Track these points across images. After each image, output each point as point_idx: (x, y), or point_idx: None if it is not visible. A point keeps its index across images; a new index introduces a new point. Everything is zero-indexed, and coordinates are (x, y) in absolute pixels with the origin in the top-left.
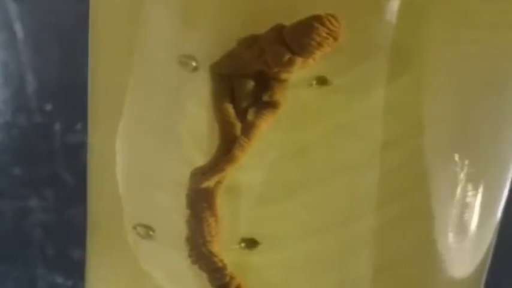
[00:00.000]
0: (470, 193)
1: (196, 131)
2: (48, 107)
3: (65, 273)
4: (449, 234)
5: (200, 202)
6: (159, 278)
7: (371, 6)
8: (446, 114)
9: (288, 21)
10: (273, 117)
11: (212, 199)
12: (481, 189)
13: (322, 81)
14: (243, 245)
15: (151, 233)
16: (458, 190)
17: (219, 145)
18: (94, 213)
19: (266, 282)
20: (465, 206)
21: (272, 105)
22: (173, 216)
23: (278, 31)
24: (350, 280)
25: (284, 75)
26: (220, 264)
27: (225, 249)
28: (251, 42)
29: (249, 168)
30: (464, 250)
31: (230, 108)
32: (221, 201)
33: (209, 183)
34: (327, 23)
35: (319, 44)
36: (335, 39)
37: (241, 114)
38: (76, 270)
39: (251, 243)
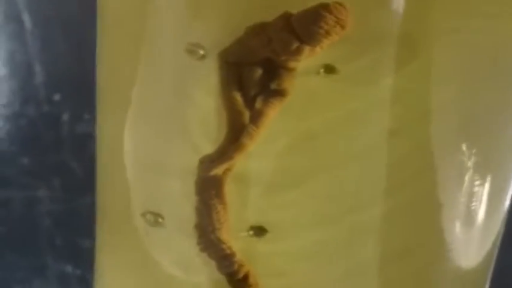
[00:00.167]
0: (477, 182)
1: (204, 119)
2: (56, 97)
3: (73, 262)
4: (457, 223)
5: (209, 190)
6: (168, 266)
7: None
8: (453, 102)
9: (295, 10)
10: (281, 105)
11: (221, 187)
12: (488, 178)
13: (329, 69)
14: (251, 232)
15: (160, 220)
16: (466, 179)
17: (227, 133)
18: (103, 202)
19: (274, 270)
20: (472, 195)
21: (280, 93)
22: (182, 203)
23: (286, 19)
24: (357, 268)
25: (292, 64)
26: (229, 252)
27: (234, 237)
28: (259, 30)
29: (257, 156)
30: (471, 239)
31: (238, 96)
32: (230, 189)
33: (218, 171)
34: (335, 11)
35: (327, 33)
36: (342, 27)
37: (249, 102)
38: (85, 259)
39: (259, 231)
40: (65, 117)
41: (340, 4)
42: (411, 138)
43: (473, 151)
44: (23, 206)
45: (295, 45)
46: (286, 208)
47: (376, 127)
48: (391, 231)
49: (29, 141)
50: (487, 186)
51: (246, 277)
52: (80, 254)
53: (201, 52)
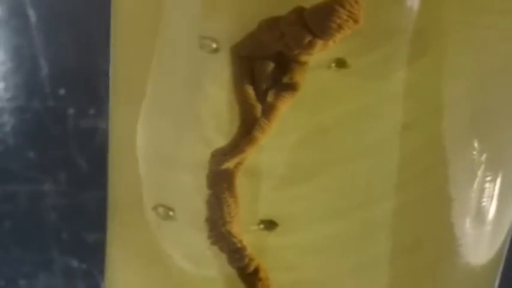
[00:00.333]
0: (489, 178)
1: (216, 112)
2: (62, 91)
3: (79, 256)
4: (467, 219)
5: (220, 183)
6: (178, 259)
7: None
8: (466, 97)
9: (308, 4)
10: (293, 99)
11: (232, 180)
12: (500, 174)
13: (341, 63)
14: (261, 226)
15: (171, 213)
16: (477, 174)
17: (239, 126)
18: (114, 195)
19: (284, 264)
20: (483, 191)
21: (292, 87)
22: (193, 197)
23: (298, 13)
24: (368, 262)
25: (304, 58)
26: (239, 245)
27: (244, 230)
28: (272, 25)
29: (269, 150)
30: (482, 235)
31: (250, 90)
32: (241, 183)
33: (229, 164)
34: (348, 5)
35: (340, 27)
36: (355, 21)
37: (261, 96)
38: (90, 253)
39: (270, 224)
40: (71, 111)
41: None
42: (423, 132)
43: (485, 146)
44: (29, 200)
45: (307, 39)
46: (297, 202)
47: (388, 121)
48: (402, 226)
49: (35, 135)
50: (498, 182)
51: (256, 271)
52: (86, 248)
53: (214, 46)
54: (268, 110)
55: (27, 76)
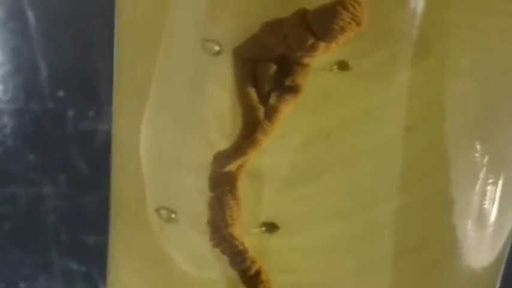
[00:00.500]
0: (491, 180)
1: (219, 114)
2: (61, 93)
3: (79, 259)
4: (469, 221)
5: (222, 185)
6: (180, 261)
7: None
8: (469, 99)
9: (311, 6)
10: (295, 101)
11: (234, 182)
12: (502, 177)
13: (343, 66)
14: (263, 229)
15: (173, 215)
16: (479, 176)
17: (241, 129)
18: (117, 197)
19: (286, 266)
20: (485, 193)
21: (294, 89)
22: (195, 199)
23: (301, 15)
24: (371, 263)
25: (306, 60)
26: (241, 248)
27: (246, 233)
28: (274, 27)
29: (271, 152)
30: (484, 237)
31: (253, 92)
32: (243, 185)
33: (231, 166)
34: (350, 7)
35: (342, 29)
36: (358, 24)
37: (264, 98)
38: (90, 256)
39: (271, 227)
40: (70, 113)
41: (356, 0)
42: (427, 134)
43: (488, 148)
44: (28, 203)
45: (310, 41)
46: (299, 204)
47: (391, 123)
48: (404, 227)
49: (34, 137)
50: (500, 184)
51: (258, 273)
52: (85, 250)
53: (217, 48)
54: (271, 112)
55: (26, 78)
